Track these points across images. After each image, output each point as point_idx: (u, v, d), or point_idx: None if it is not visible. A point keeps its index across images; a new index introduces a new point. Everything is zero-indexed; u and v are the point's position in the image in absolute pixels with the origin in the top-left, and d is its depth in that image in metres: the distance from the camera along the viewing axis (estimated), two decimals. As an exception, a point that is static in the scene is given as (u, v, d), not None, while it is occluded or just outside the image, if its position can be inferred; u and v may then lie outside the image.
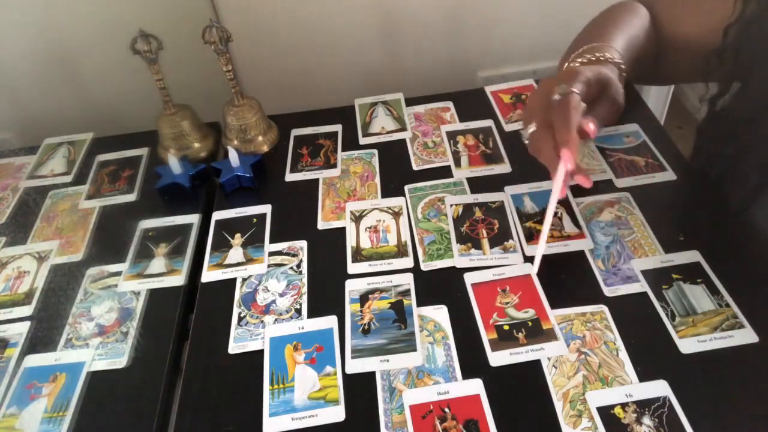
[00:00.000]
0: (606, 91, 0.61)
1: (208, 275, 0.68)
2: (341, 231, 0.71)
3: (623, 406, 0.52)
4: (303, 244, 0.70)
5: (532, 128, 0.60)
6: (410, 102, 0.90)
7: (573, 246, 0.66)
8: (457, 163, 0.78)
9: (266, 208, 0.75)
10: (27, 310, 0.67)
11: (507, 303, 0.61)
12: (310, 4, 1.01)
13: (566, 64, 0.67)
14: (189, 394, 0.57)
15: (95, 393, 0.59)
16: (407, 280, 0.64)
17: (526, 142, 0.61)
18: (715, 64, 0.65)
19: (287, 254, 0.69)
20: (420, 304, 0.62)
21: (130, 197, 0.80)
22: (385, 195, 0.75)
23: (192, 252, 0.71)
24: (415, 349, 0.58)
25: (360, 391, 0.56)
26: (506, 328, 0.59)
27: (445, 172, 0.78)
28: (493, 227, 0.69)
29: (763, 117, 0.62)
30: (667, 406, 0.51)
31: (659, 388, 0.53)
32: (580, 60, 0.65)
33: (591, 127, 0.57)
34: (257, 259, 0.69)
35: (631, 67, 0.69)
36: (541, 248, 0.62)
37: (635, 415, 0.51)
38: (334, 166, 0.80)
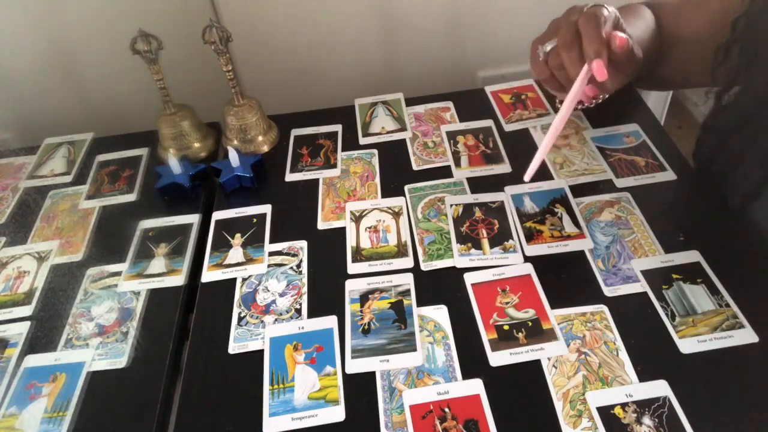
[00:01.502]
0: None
1: (208, 275, 0.68)
2: (341, 231, 0.71)
3: (623, 406, 0.52)
4: (303, 244, 0.70)
5: (551, 45, 0.58)
6: (410, 102, 0.90)
7: (573, 246, 0.66)
8: (457, 163, 0.78)
9: (266, 208, 0.75)
10: (27, 310, 0.67)
11: (507, 303, 0.61)
12: (310, 5, 1.01)
13: None
14: (189, 394, 0.57)
15: (95, 393, 0.59)
16: (407, 280, 0.64)
17: (540, 58, 0.60)
18: (722, 59, 0.65)
19: (287, 254, 0.69)
20: (420, 304, 0.62)
21: (130, 197, 0.80)
22: (385, 195, 0.75)
23: (192, 252, 0.71)
24: (415, 349, 0.58)
25: (360, 391, 0.56)
26: (506, 328, 0.59)
27: (445, 172, 0.78)
28: (493, 227, 0.69)
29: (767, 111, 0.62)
30: (667, 406, 0.51)
31: (659, 388, 0.53)
32: None
33: (621, 37, 0.55)
34: (257, 259, 0.69)
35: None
36: (540, 155, 0.60)
37: (635, 415, 0.51)
38: (334, 166, 0.80)
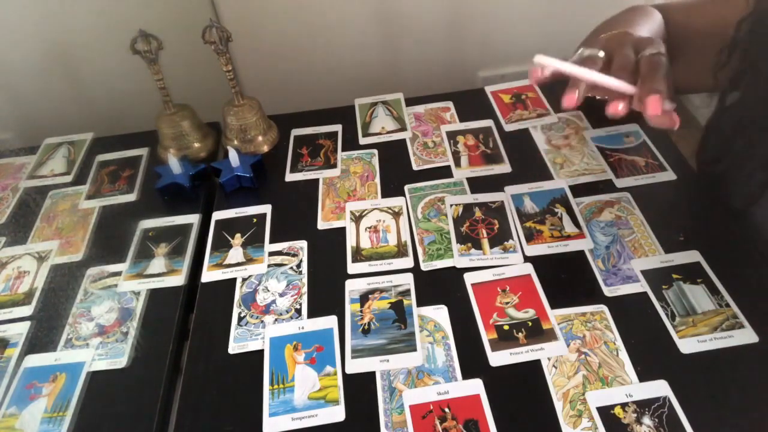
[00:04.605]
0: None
1: (208, 275, 0.68)
2: (341, 231, 0.71)
3: (623, 406, 0.52)
4: (303, 244, 0.70)
5: (591, 51, 0.56)
6: (410, 102, 0.90)
7: (573, 246, 0.66)
8: (457, 163, 0.78)
9: (266, 208, 0.75)
10: (27, 310, 0.67)
11: (507, 303, 0.61)
12: (310, 5, 1.01)
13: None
14: (189, 394, 0.57)
15: (95, 393, 0.59)
16: (407, 280, 0.64)
17: (573, 59, 0.57)
18: (725, 60, 0.64)
19: (287, 254, 0.69)
20: (420, 304, 0.62)
21: (130, 197, 0.80)
22: (385, 195, 0.75)
23: (192, 252, 0.71)
24: (415, 349, 0.58)
25: (360, 391, 0.56)
26: (506, 328, 0.59)
27: (445, 172, 0.78)
28: (493, 227, 0.69)
29: None
30: (667, 406, 0.51)
31: (659, 388, 0.53)
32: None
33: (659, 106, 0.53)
34: (257, 259, 0.69)
35: None
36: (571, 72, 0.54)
37: (635, 415, 0.51)
38: (334, 166, 0.80)
